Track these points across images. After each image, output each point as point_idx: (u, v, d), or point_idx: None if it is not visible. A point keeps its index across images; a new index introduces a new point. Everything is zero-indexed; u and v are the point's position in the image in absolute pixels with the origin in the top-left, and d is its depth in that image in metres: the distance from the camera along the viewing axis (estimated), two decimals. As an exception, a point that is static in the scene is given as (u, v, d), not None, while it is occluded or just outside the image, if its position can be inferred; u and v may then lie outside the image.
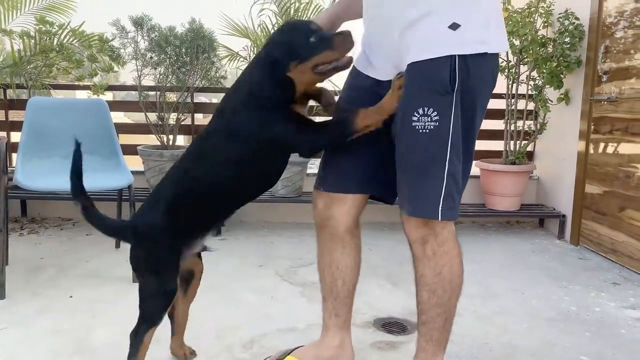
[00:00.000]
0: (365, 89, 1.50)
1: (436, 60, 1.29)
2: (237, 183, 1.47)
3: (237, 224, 3.86)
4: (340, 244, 1.65)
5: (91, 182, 2.71)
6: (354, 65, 1.57)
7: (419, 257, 1.46)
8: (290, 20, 1.45)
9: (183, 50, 3.66)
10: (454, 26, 1.28)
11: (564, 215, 3.67)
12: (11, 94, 3.99)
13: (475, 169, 3.93)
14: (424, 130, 1.32)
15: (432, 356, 1.53)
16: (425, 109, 1.31)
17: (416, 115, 1.32)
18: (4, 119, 4.02)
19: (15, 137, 3.94)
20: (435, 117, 1.30)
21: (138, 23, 3.53)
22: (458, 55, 1.28)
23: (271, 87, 1.38)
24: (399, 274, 2.80)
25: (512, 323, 2.23)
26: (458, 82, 1.29)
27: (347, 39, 1.37)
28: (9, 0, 3.63)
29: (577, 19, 3.48)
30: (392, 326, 2.14)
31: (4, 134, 3.99)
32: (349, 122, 1.40)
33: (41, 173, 2.70)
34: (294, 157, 3.83)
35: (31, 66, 3.67)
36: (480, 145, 4.34)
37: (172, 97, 3.88)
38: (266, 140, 1.41)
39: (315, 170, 4.25)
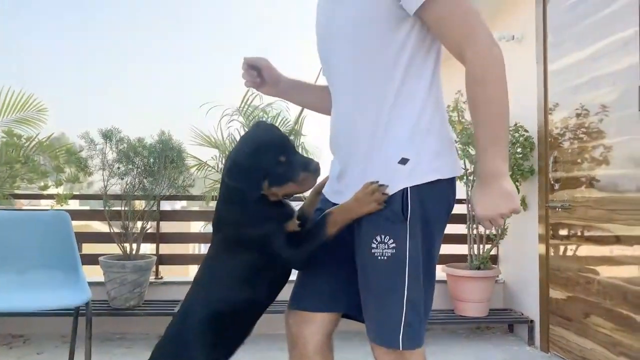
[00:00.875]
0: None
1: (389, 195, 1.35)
2: (251, 295, 1.47)
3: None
4: None
5: (48, 299, 2.62)
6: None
7: None
8: (256, 141, 1.42)
9: (151, 160, 3.72)
10: (403, 161, 1.35)
11: (532, 321, 3.66)
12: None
13: (442, 274, 3.95)
14: (382, 257, 1.34)
15: None
16: (382, 236, 1.34)
17: (374, 242, 1.35)
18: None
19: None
20: (392, 245, 1.34)
21: (107, 136, 3.60)
22: (410, 187, 1.34)
23: (252, 208, 1.42)
24: (368, 390, 2.68)
25: None
26: (411, 211, 1.34)
27: (311, 178, 1.41)
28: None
29: (526, 131, 3.73)
30: None
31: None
32: (321, 233, 1.42)
33: (-7, 291, 2.58)
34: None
35: (-6, 177, 3.65)
36: (445, 249, 4.39)
37: (138, 204, 3.87)
38: (262, 252, 1.43)
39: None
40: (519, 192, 3.74)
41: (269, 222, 1.42)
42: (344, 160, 1.49)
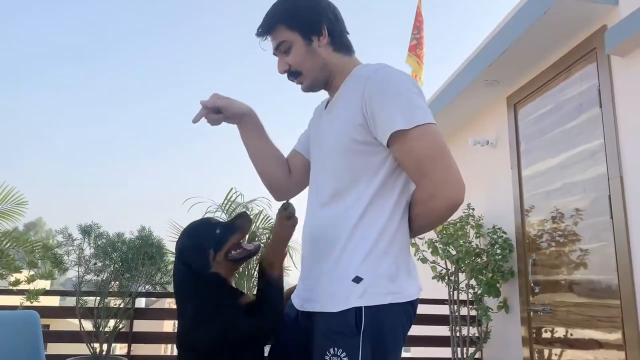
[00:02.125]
0: (290, 317, 1.55)
1: (342, 311, 1.36)
2: None
3: None
4: None
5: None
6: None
7: None
8: (191, 224, 1.55)
9: (130, 256, 3.66)
10: (357, 279, 1.37)
11: None
12: None
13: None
14: None
15: None
16: (335, 349, 1.35)
17: (328, 354, 1.35)
18: None
19: None
20: (345, 359, 1.33)
21: (86, 231, 3.56)
22: (364, 306, 1.35)
23: (206, 289, 1.45)
24: None
25: None
26: (365, 326, 1.34)
27: (245, 220, 1.52)
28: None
29: (504, 232, 3.79)
30: None
31: None
32: (268, 281, 1.47)
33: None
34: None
35: (-36, 272, 3.53)
36: (429, 352, 4.25)
37: (113, 301, 3.75)
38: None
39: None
40: (500, 294, 3.74)
41: (228, 309, 1.45)
42: (308, 266, 1.52)
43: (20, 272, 3.62)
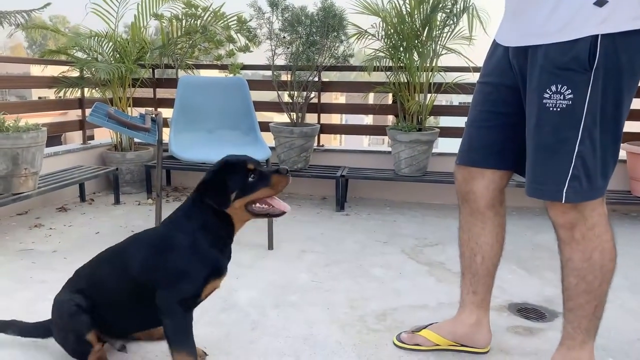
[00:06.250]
0: (499, 60, 1.48)
1: (577, 40, 1.21)
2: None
3: (358, 200, 3.92)
4: (480, 220, 1.63)
5: (236, 153, 2.92)
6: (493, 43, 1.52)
7: (566, 240, 1.40)
8: (228, 160, 1.46)
9: (314, 29, 3.76)
10: (600, 2, 1.19)
11: None
12: (159, 73, 4.39)
13: (620, 152, 3.60)
14: (555, 109, 1.26)
15: (580, 344, 1.47)
16: (559, 86, 1.25)
17: (548, 92, 1.26)
18: (152, 97, 4.44)
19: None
20: (569, 96, 1.24)
21: (273, 3, 3.67)
22: (602, 34, 1.19)
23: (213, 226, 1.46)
24: (530, 260, 2.69)
25: (666, 321, 2.04)
26: (599, 61, 1.20)
27: (284, 179, 1.46)
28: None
29: None
30: (528, 312, 2.07)
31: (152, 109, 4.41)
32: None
33: (189, 145, 2.95)
34: (420, 135, 3.75)
35: (177, 47, 3.99)
36: (627, 126, 3.95)
37: (300, 75, 4.01)
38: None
39: (440, 151, 4.17)
40: None
41: (198, 267, 1.44)
42: None
43: (222, 46, 3.99)
